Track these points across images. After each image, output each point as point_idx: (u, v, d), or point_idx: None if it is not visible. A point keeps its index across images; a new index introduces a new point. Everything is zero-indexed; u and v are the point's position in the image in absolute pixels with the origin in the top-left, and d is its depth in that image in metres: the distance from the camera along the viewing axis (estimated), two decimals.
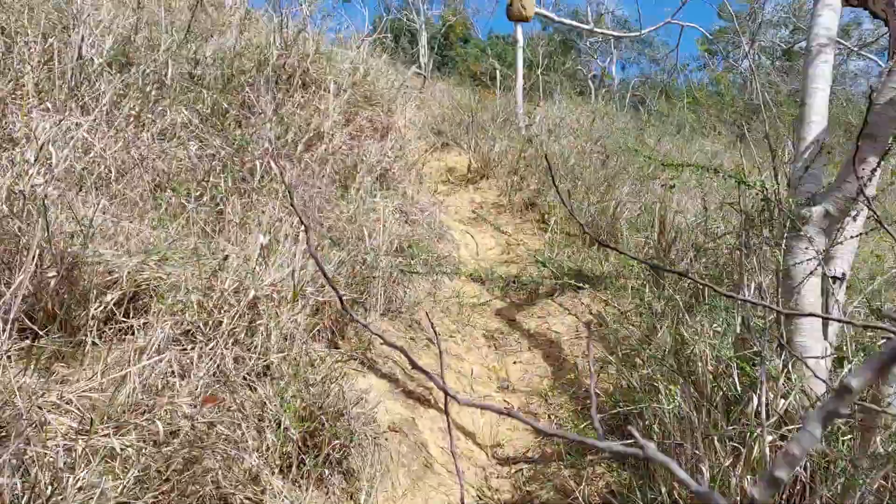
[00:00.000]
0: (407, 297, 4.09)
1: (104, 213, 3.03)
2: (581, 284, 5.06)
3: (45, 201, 2.68)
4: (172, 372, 2.37)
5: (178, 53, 4.78)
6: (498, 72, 22.42)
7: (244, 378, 2.57)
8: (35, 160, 2.79)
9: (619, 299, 4.77)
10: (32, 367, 2.13)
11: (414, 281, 4.54)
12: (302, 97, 5.25)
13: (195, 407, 2.25)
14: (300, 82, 5.33)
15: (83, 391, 1.97)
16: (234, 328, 2.59)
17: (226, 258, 2.64)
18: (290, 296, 2.83)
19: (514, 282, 5.25)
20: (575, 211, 6.32)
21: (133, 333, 2.55)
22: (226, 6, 6.85)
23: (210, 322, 2.56)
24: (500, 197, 7.47)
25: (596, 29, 10.66)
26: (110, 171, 3.47)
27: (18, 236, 2.56)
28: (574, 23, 10.69)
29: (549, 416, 3.38)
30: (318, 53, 5.47)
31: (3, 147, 3.25)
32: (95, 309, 2.55)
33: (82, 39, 3.97)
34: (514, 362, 4.02)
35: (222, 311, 2.58)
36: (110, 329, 2.60)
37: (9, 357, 2.15)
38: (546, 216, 6.61)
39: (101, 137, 3.60)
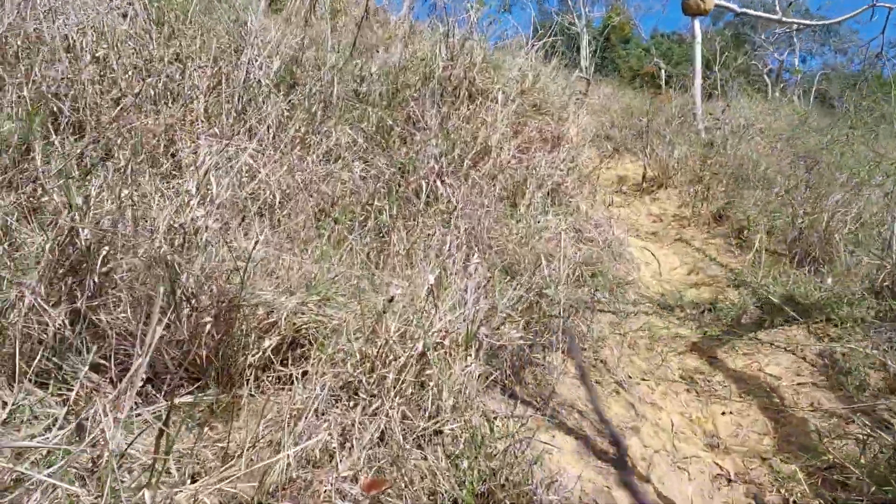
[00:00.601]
0: (590, 333, 3.54)
1: (266, 244, 2.78)
2: (794, 314, 4.24)
3: (205, 235, 2.46)
4: (330, 434, 2.01)
5: (344, 71, 4.58)
6: (663, 71, 21.10)
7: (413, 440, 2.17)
8: (196, 190, 2.58)
9: (847, 334, 3.91)
10: (180, 428, 1.85)
11: (596, 312, 3.99)
12: (468, 109, 4.87)
13: (356, 483, 1.87)
14: (466, 93, 4.96)
15: (224, 477, 1.64)
16: (401, 381, 2.20)
17: (391, 300, 2.26)
18: (462, 339, 2.40)
19: (709, 309, 4.51)
20: (777, 224, 5.43)
21: (292, 384, 2.24)
22: (391, 22, 6.68)
23: (374, 375, 2.18)
24: (682, 208, 6.67)
25: (785, 19, 9.44)
26: (274, 198, 3.26)
27: (177, 274, 2.34)
28: (761, 13, 9.55)
29: (780, 490, 2.69)
30: (484, 62, 5.07)
31: (172, 176, 3.13)
32: (253, 356, 2.27)
33: (249, 62, 3.84)
34: (723, 413, 3.33)
35: (388, 363, 2.20)
36: (268, 377, 2.31)
37: (156, 417, 1.89)
38: (742, 230, 5.76)
39: (266, 162, 3.41)
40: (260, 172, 3.22)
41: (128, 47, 3.84)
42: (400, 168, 3.80)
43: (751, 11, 9.29)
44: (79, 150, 2.84)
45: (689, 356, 3.98)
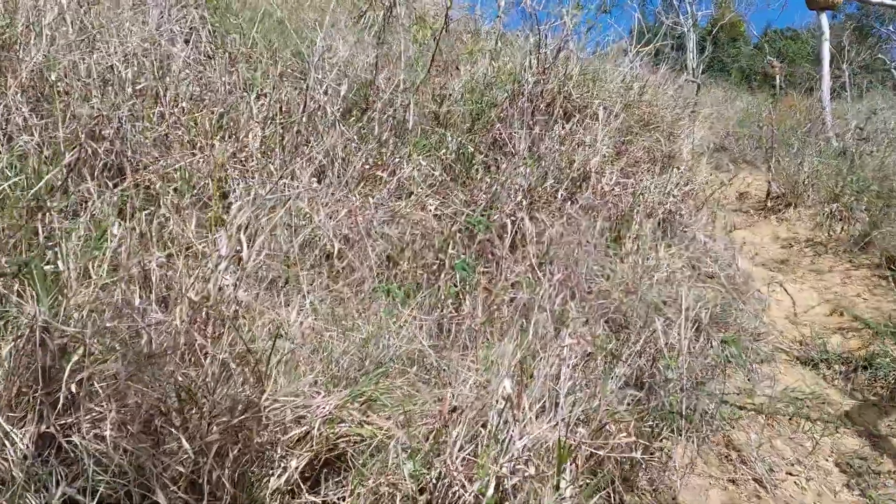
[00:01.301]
0: (717, 411, 2.79)
1: (313, 312, 2.25)
2: None
3: (236, 310, 1.96)
4: None
5: (423, 91, 4.04)
6: (777, 70, 19.44)
7: None
8: (225, 254, 2.08)
9: None
10: None
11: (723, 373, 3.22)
12: (563, 129, 4.20)
13: None
14: (561, 111, 4.30)
15: None
16: None
17: (453, 411, 1.66)
18: (555, 459, 1.76)
19: (864, 366, 3.62)
20: None
21: None
22: (480, 33, 6.10)
23: None
24: (816, 231, 5.69)
25: None
26: (332, 246, 2.73)
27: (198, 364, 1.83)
28: None
29: None
30: (581, 74, 4.39)
31: (215, 228, 2.67)
32: (278, 478, 1.72)
33: (312, 87, 3.35)
34: None
35: (447, 497, 1.60)
36: None
37: None
38: (893, 261, 4.75)
39: (326, 203, 2.90)
40: (315, 217, 2.71)
41: (184, 76, 3.46)
42: (482, 208, 3.19)
43: (888, 1, 8.04)
44: (108, 199, 2.42)
45: (844, 433, 3.13)
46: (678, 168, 4.49)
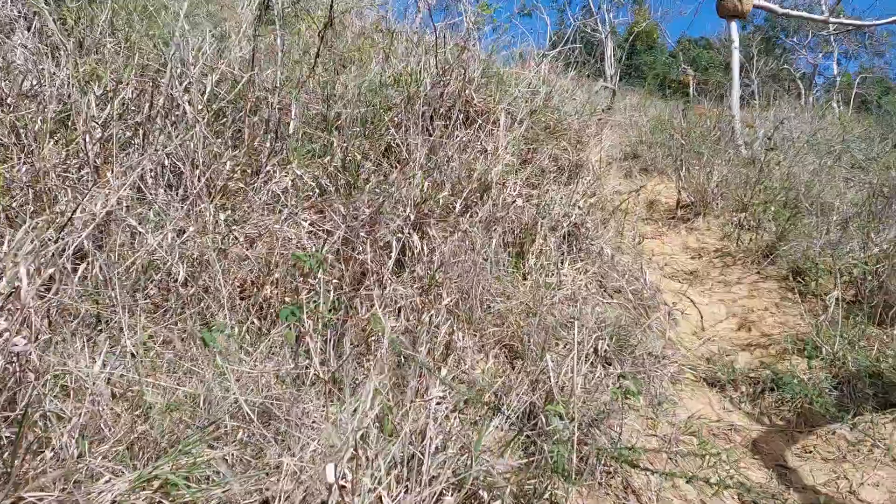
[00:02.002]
0: (616, 450, 2.51)
1: (131, 359, 1.83)
2: (889, 398, 3.19)
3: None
4: None
5: (314, 91, 3.64)
6: (691, 79, 19.88)
7: None
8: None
9: None
10: None
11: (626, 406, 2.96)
12: (465, 135, 3.89)
13: None
14: (462, 116, 3.98)
15: None
16: None
17: None
18: None
19: (771, 388, 3.45)
20: (852, 268, 4.33)
21: None
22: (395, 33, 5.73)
23: None
24: (725, 241, 5.59)
25: (832, 20, 8.28)
26: (177, 274, 2.30)
27: None
28: (805, 14, 8.40)
29: None
30: (485, 77, 4.08)
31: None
32: None
33: (170, 82, 2.90)
34: None
35: None
36: None
37: None
38: (800, 273, 4.66)
39: (173, 219, 2.46)
40: (150, 237, 2.27)
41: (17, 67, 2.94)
42: (362, 222, 2.82)
43: (793, 12, 8.15)
44: None
45: (751, 462, 2.93)
46: (585, 178, 4.25)
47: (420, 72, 3.83)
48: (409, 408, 1.73)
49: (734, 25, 8.08)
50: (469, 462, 1.69)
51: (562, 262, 3.74)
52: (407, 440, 1.62)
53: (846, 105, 18.26)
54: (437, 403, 1.77)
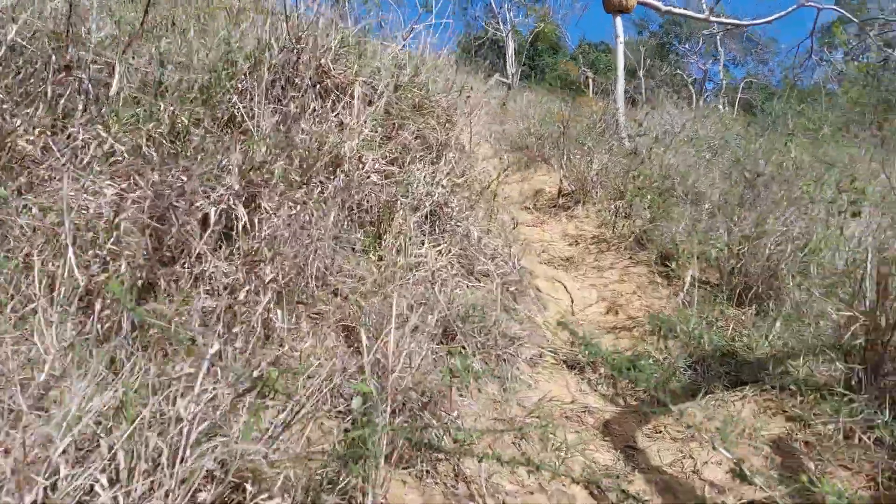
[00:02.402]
0: (453, 427, 2.33)
1: None
2: (741, 376, 3.17)
3: None
4: None
5: (139, 52, 3.28)
6: (591, 80, 20.30)
7: None
8: None
9: (809, 408, 2.82)
10: None
11: (468, 387, 2.79)
12: (321, 107, 3.63)
13: None
14: (319, 88, 3.72)
15: None
16: None
17: None
18: None
19: (629, 368, 3.38)
20: (710, 250, 4.36)
21: None
22: None
23: None
24: (602, 228, 5.58)
25: (713, 18, 8.55)
26: None
27: None
28: (687, 12, 8.63)
29: None
30: (344, 47, 3.83)
31: None
32: None
33: None
34: None
35: None
36: None
37: None
38: (668, 257, 4.67)
39: None
40: None
41: None
42: (179, 189, 2.51)
43: (676, 9, 8.35)
44: None
45: (600, 445, 2.82)
46: (451, 157, 4.07)
47: (269, 37, 3.53)
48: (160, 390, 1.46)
49: (619, 20, 8.19)
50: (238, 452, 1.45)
51: (422, 243, 3.54)
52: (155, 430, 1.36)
53: (732, 107, 19.18)
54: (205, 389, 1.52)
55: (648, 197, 5.72)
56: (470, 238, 3.94)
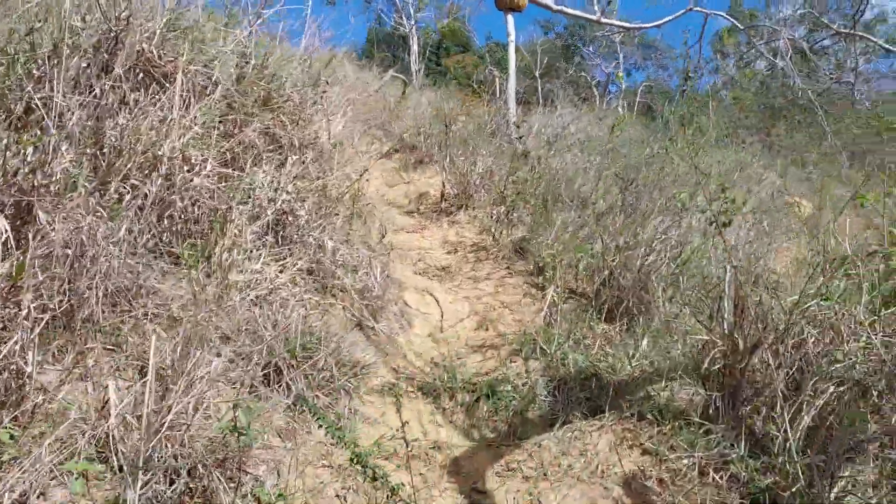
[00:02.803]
0: (257, 489, 1.94)
1: None
2: (599, 403, 2.94)
3: None
4: None
5: None
6: (497, 79, 20.22)
7: None
8: None
9: (672, 438, 2.61)
10: None
11: (302, 427, 2.41)
12: (143, 99, 3.13)
13: None
14: (144, 77, 3.22)
15: None
16: None
17: None
18: None
19: (488, 395, 3.08)
20: (585, 260, 4.16)
21: None
22: None
23: None
24: (483, 235, 5.31)
25: (604, 20, 8.50)
26: None
27: None
28: (578, 13, 8.53)
29: None
30: (174, 31, 3.35)
31: None
32: None
33: None
34: None
35: None
36: None
37: None
38: (544, 268, 4.44)
39: None
40: None
41: None
42: None
43: (567, 10, 8.24)
44: None
45: (445, 487, 2.50)
46: (302, 158, 3.66)
47: (78, 15, 3.01)
48: None
49: (511, 19, 7.99)
50: None
51: (261, 257, 3.12)
52: None
53: (631, 111, 19.61)
54: None
55: (531, 202, 5.51)
56: (324, 249, 3.54)
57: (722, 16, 8.57)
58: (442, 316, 4.08)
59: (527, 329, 3.75)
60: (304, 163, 3.61)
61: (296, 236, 3.41)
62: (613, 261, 3.93)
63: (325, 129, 3.94)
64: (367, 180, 6.39)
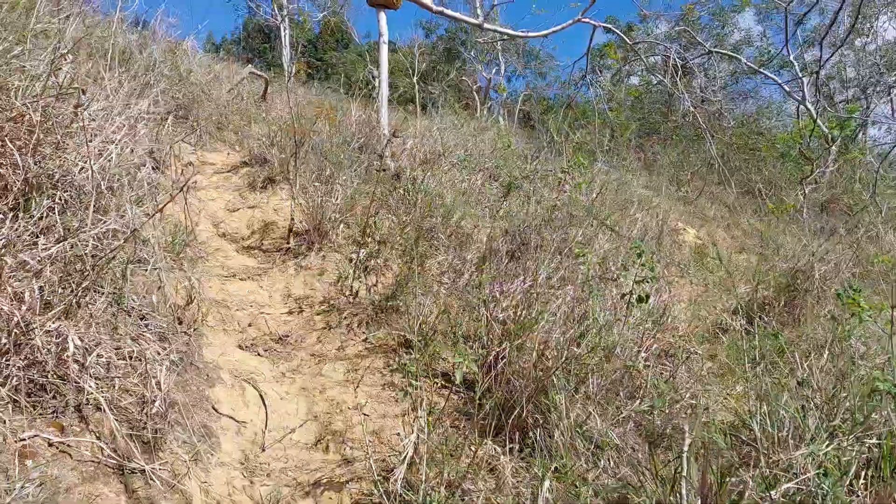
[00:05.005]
0: None
1: None
2: None
3: None
4: None
5: None
6: (377, 80, 18.90)
7: None
8: None
9: None
10: None
11: None
12: None
13: None
14: None
15: None
16: None
17: None
18: None
19: None
20: (461, 348, 3.08)
21: None
22: None
23: None
24: (337, 286, 4.11)
25: (487, 26, 7.53)
26: None
27: None
28: (460, 16, 7.51)
29: None
30: None
31: None
32: None
33: None
34: None
35: None
36: None
37: None
38: (411, 345, 3.32)
39: None
40: None
41: None
42: None
43: (448, 11, 7.18)
44: None
45: None
46: (37, 205, 2.32)
47: None
48: None
49: (383, 16, 6.82)
50: None
51: None
52: None
53: (511, 119, 19.05)
54: None
55: (401, 240, 4.39)
56: (65, 352, 2.22)
57: (611, 29, 7.84)
58: (266, 423, 2.85)
59: (385, 454, 2.62)
60: (39, 217, 2.27)
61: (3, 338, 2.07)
62: (500, 350, 2.86)
63: (90, 157, 2.59)
64: (200, 202, 5.01)
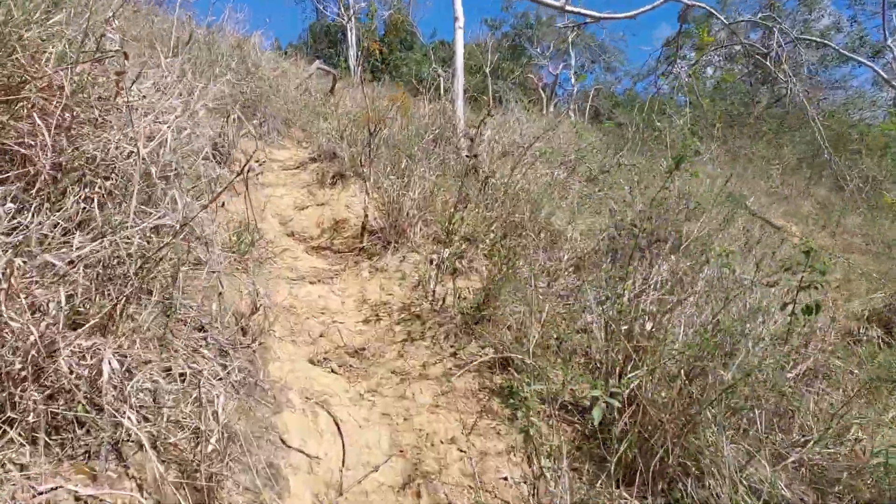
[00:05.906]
0: None
1: None
2: None
3: None
4: None
5: None
6: (442, 78, 18.42)
7: None
8: None
9: None
10: None
11: None
12: None
13: None
14: None
15: None
16: None
17: None
18: None
19: None
20: (571, 373, 2.49)
21: None
22: None
23: None
24: (418, 291, 3.58)
25: (570, 7, 6.89)
26: None
27: None
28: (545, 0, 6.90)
29: None
30: None
31: None
32: None
33: None
34: None
35: None
36: None
37: None
38: (510, 362, 2.75)
39: None
40: None
41: None
42: None
43: None
44: None
45: None
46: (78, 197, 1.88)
47: None
48: None
49: (459, 3, 6.28)
50: None
51: None
52: None
53: (582, 115, 18.25)
54: None
55: (490, 242, 3.83)
56: (100, 377, 1.76)
57: (705, 7, 7.07)
58: (343, 459, 2.34)
59: (495, 497, 2.06)
60: (82, 208, 1.82)
61: (16, 359, 1.61)
62: (630, 377, 2.26)
63: (141, 139, 2.14)
64: (266, 199, 4.59)
